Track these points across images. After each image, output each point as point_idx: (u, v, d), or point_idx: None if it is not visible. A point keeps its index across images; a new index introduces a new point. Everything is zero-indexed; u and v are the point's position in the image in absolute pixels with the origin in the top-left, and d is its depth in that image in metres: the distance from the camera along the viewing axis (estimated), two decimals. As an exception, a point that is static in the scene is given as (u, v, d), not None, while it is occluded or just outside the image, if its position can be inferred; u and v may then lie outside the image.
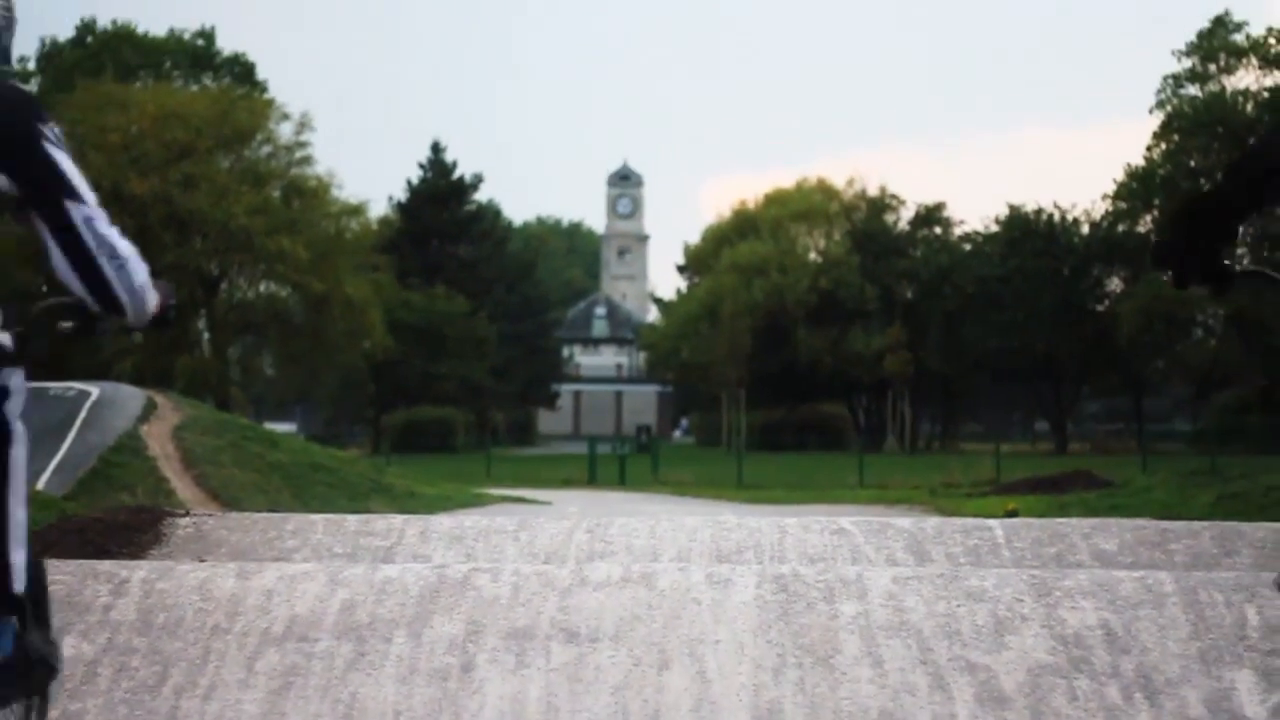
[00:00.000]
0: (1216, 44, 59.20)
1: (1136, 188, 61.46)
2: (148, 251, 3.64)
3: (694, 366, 76.81)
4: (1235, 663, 5.41)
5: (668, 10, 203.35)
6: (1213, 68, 59.15)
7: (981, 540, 7.77)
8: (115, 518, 8.41)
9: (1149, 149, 60.32)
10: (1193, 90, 59.47)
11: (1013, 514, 18.21)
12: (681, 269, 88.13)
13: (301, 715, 5.37)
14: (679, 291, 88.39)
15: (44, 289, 3.42)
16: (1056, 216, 69.52)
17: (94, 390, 23.84)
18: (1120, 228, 64.72)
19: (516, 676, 5.58)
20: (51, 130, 3.26)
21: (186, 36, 65.89)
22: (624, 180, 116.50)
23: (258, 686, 5.58)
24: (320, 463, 27.35)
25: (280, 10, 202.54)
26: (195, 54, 65.37)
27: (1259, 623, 5.52)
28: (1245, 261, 46.80)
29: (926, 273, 71.47)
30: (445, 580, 6.16)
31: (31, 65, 60.98)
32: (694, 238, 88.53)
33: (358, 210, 62.78)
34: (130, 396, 24.44)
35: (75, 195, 3.22)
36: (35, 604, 3.48)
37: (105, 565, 6.20)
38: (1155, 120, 60.03)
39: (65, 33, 64.71)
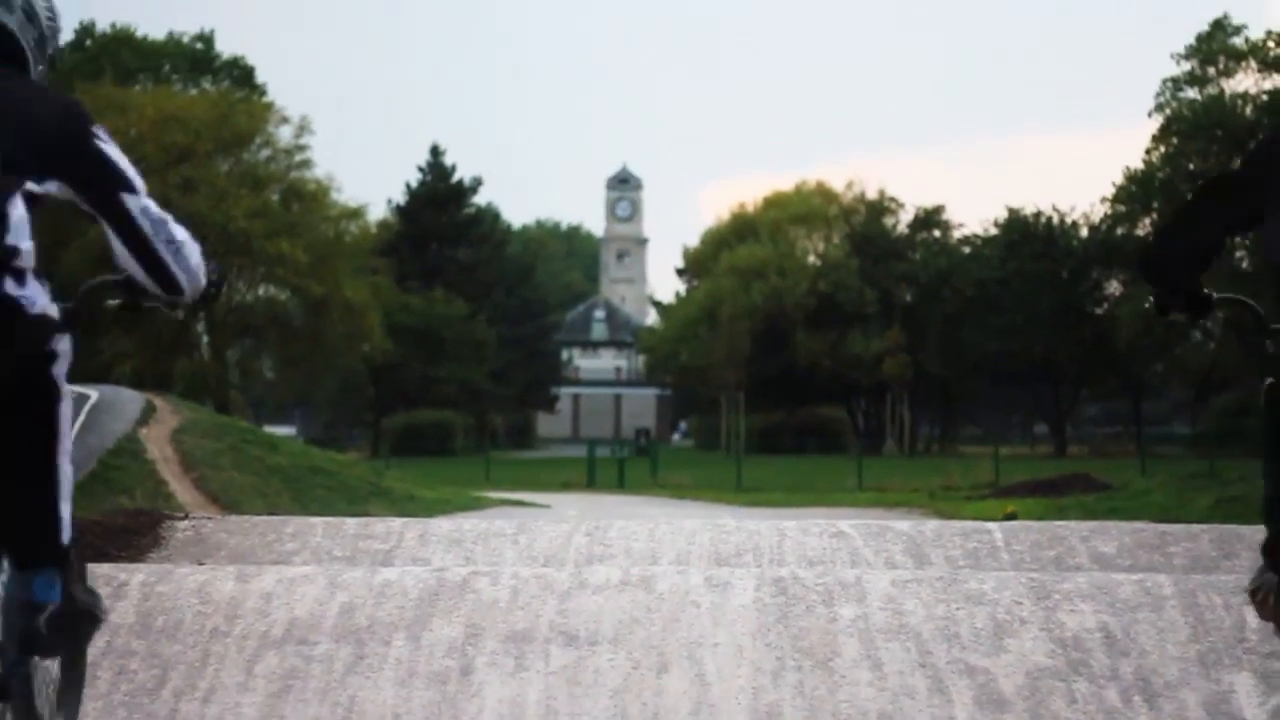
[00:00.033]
0: (1215, 47, 59.23)
1: (1135, 191, 61.49)
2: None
3: (693, 369, 76.83)
4: (1234, 665, 5.41)
5: (666, 13, 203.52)
6: (1212, 71, 59.19)
7: (980, 543, 7.77)
8: (114, 521, 8.40)
9: (1148, 152, 60.37)
10: (1192, 93, 59.51)
11: (1012, 517, 18.21)
12: (680, 272, 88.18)
13: (300, 718, 5.37)
14: (678, 295, 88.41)
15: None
16: (1055, 220, 69.56)
17: (93, 393, 23.84)
18: (1119, 231, 64.73)
19: (515, 679, 5.58)
20: (99, 129, 3.47)
21: (186, 40, 65.88)
22: (623, 183, 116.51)
23: (257, 689, 5.58)
24: (319, 466, 27.38)
25: (279, 13, 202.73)
26: (194, 57, 65.36)
27: (1258, 626, 5.52)
28: (1244, 264, 46.87)
29: (925, 276, 71.49)
30: (444, 583, 6.16)
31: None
32: (693, 241, 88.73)
33: (357, 213, 62.85)
34: (129, 400, 24.46)
35: (130, 188, 3.47)
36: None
37: (104, 568, 6.19)
38: (1154, 123, 60.10)
39: (64, 36, 64.51)
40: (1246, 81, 58.78)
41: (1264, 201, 3.71)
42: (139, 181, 3.52)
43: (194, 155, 52.10)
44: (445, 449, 65.90)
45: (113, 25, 65.59)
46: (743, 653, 5.69)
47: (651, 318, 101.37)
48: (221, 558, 7.44)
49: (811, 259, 76.06)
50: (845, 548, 7.75)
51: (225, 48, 69.52)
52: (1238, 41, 59.32)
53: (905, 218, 76.76)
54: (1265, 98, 57.27)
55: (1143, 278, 4.10)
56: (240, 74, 65.57)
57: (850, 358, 70.83)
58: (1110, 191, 64.40)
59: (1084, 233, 68.57)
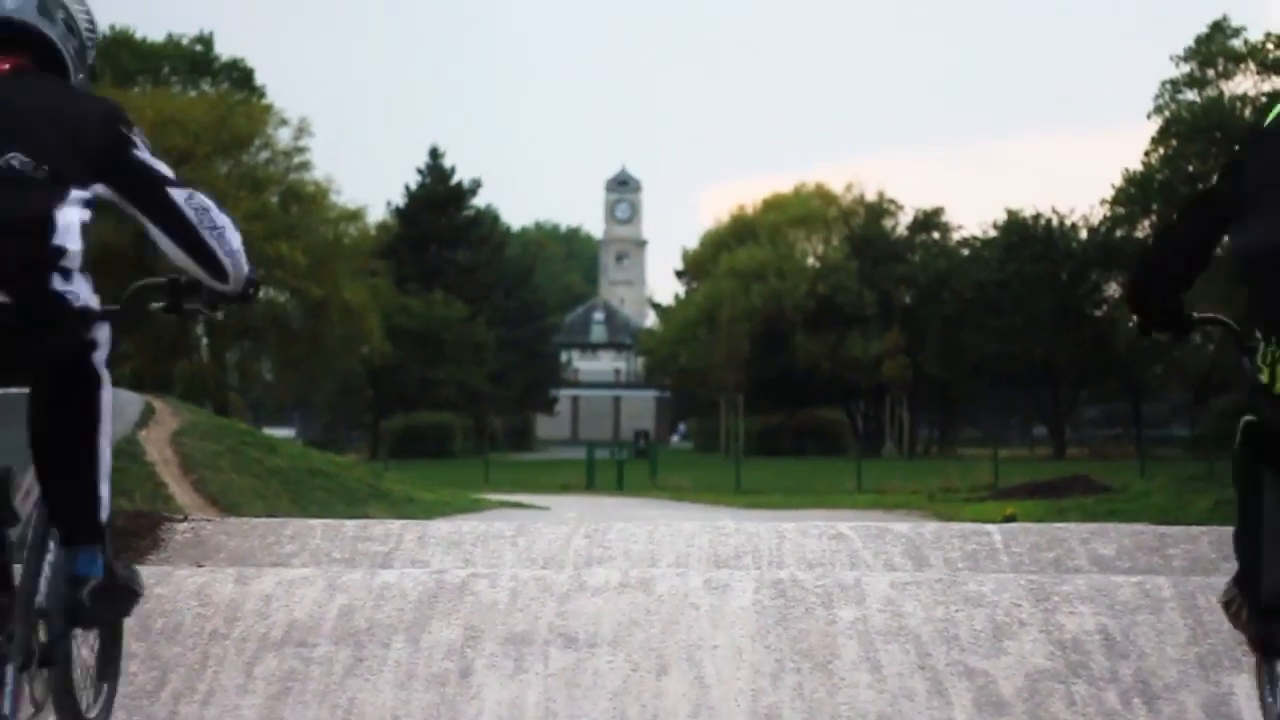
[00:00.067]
0: (1214, 49, 59.24)
1: (1134, 193, 61.49)
2: (145, 257, 3.90)
3: (692, 372, 76.85)
4: (1234, 668, 5.41)
5: (666, 15, 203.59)
6: (1211, 73, 59.19)
7: (979, 545, 7.77)
8: (113, 522, 8.41)
9: (1147, 154, 60.35)
10: (1191, 95, 59.50)
11: (1011, 519, 18.21)
12: (680, 274, 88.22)
13: (300, 720, 5.37)
14: (677, 297, 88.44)
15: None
16: (1055, 221, 69.57)
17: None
18: (1118, 233, 64.73)
19: (514, 682, 5.58)
20: (136, 133, 3.70)
21: (185, 42, 65.89)
22: (622, 185, 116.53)
23: (256, 692, 5.58)
24: (318, 468, 27.38)
25: (279, 15, 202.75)
26: (193, 59, 65.36)
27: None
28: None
29: (925, 278, 71.50)
30: (443, 585, 6.16)
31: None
32: (692, 243, 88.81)
33: (356, 215, 62.82)
34: (129, 402, 24.43)
35: (172, 183, 3.71)
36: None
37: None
38: (1153, 125, 60.08)
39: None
40: (1246, 83, 58.79)
41: (1240, 205, 3.83)
42: (174, 174, 3.74)
43: (193, 157, 52.05)
44: (444, 451, 65.90)
45: (112, 27, 65.54)
46: (742, 655, 5.70)
47: (651, 320, 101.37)
48: (221, 560, 7.44)
49: (811, 261, 76.08)
50: (844, 550, 7.75)
51: (224, 50, 69.60)
52: (1237, 43, 59.31)
53: (904, 220, 76.87)
54: (1264, 99, 57.25)
55: (1130, 302, 4.22)
56: (239, 76, 65.57)
57: (849, 360, 70.84)
58: (1109, 193, 64.42)
59: (1083, 235, 68.58)
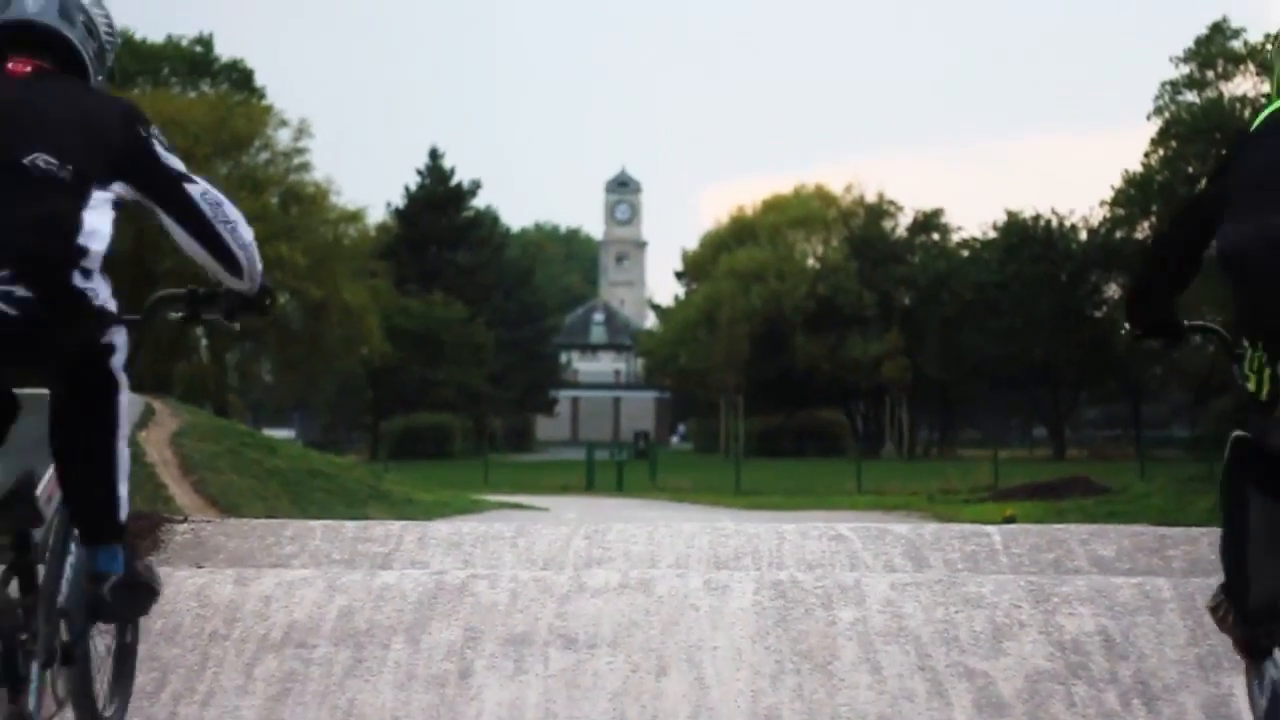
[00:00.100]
0: (1214, 50, 59.29)
1: (1134, 194, 61.53)
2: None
3: (692, 373, 76.87)
4: (1233, 669, 5.41)
5: (665, 17, 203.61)
6: (1210, 74, 59.24)
7: (979, 546, 7.77)
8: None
9: (1147, 155, 60.40)
10: (1190, 96, 59.54)
11: (1010, 520, 18.22)
12: (679, 275, 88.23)
13: (299, 721, 5.37)
14: (677, 298, 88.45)
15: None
16: (1054, 223, 69.57)
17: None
18: (1118, 234, 64.75)
19: (514, 683, 5.58)
20: (154, 131, 3.82)
21: (184, 43, 65.87)
22: (622, 186, 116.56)
23: (256, 693, 5.58)
24: (318, 469, 27.37)
25: (279, 16, 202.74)
26: (193, 60, 65.35)
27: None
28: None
29: (924, 279, 71.50)
30: (443, 586, 6.16)
31: (29, 71, 60.86)
32: (692, 244, 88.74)
33: (356, 216, 62.78)
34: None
35: (189, 178, 3.83)
36: None
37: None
38: (1153, 126, 60.13)
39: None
40: (1245, 85, 58.83)
41: (1225, 208, 3.91)
42: (188, 170, 3.87)
43: (193, 158, 51.96)
44: (444, 452, 65.91)
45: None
46: (742, 656, 5.70)
47: (650, 321, 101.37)
48: (220, 561, 7.44)
49: (810, 262, 76.10)
50: (844, 551, 7.74)
51: (224, 50, 69.60)
52: (1236, 45, 59.35)
53: (904, 221, 76.88)
54: (1264, 101, 57.23)
55: (1128, 308, 4.33)
56: (239, 77, 65.58)
57: (849, 361, 70.84)
58: (1109, 195, 64.45)
59: (1083, 236, 68.59)
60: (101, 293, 3.66)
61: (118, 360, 3.80)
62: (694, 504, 35.40)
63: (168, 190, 3.81)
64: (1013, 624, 5.85)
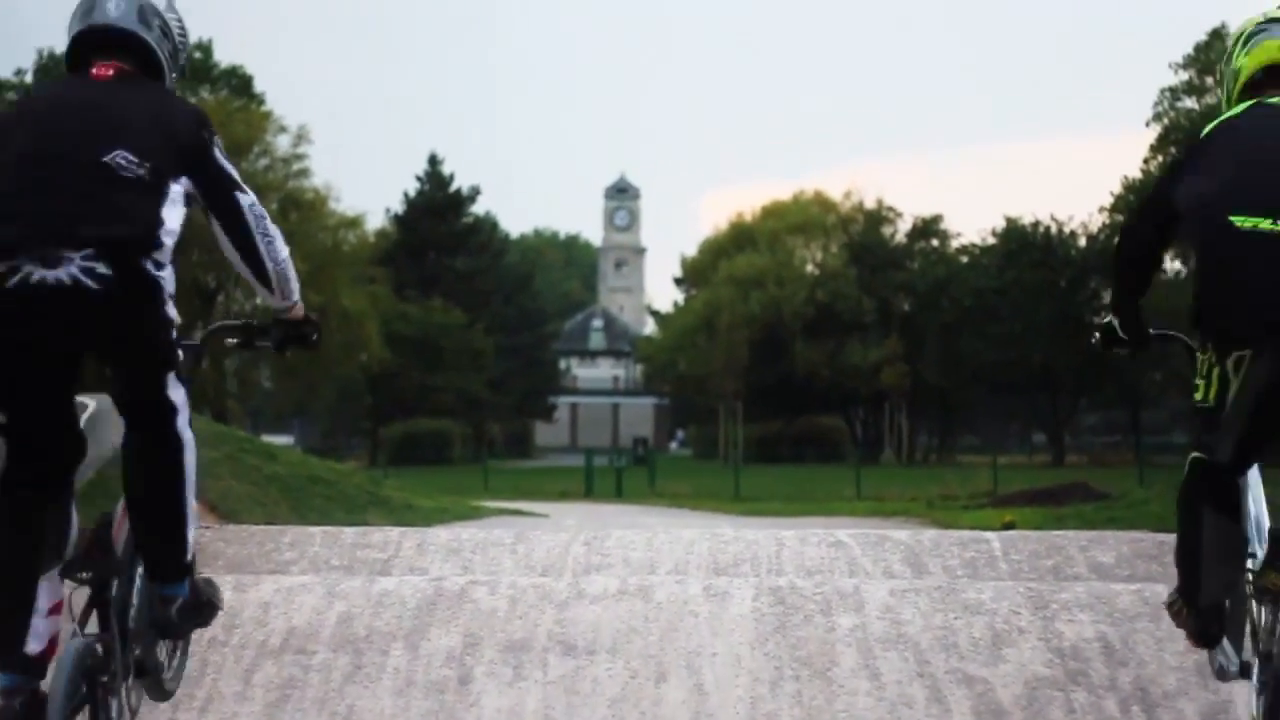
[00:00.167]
0: (1213, 57, 59.24)
1: (1133, 200, 61.50)
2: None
3: (691, 379, 76.83)
4: (1233, 675, 5.41)
5: (664, 23, 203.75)
6: (1210, 80, 59.25)
7: (979, 553, 7.77)
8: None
9: (1146, 161, 60.42)
10: (1189, 103, 59.56)
11: (1010, 526, 18.21)
12: (679, 281, 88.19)
13: (298, 728, 5.37)
14: (676, 304, 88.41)
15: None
16: (1053, 229, 69.57)
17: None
18: (1117, 240, 64.71)
19: (514, 689, 5.58)
20: (216, 138, 4.14)
21: (184, 48, 65.82)
22: (621, 193, 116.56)
23: (255, 699, 5.58)
24: (318, 475, 27.33)
25: (278, 23, 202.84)
26: (192, 66, 65.03)
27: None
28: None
29: (923, 285, 71.49)
30: (442, 593, 6.16)
31: (29, 77, 60.93)
32: (691, 250, 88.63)
33: (355, 222, 62.80)
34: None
35: (241, 188, 4.15)
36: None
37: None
38: (1152, 133, 60.14)
39: (62, 45, 64.51)
40: (1244, 91, 58.80)
41: (1177, 216, 4.29)
42: (241, 179, 4.19)
43: (192, 164, 51.99)
44: (443, 458, 65.85)
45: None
46: (741, 662, 5.69)
47: (649, 327, 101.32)
48: (219, 567, 7.44)
49: (809, 268, 76.06)
50: (843, 557, 7.74)
51: (223, 56, 69.31)
52: (1235, 51, 59.32)
53: (903, 227, 76.79)
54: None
55: (1114, 313, 4.69)
56: (238, 83, 65.58)
57: (848, 367, 70.81)
58: (1108, 200, 64.46)
59: (1082, 242, 68.59)
60: (169, 285, 3.95)
61: (182, 421, 4.08)
62: (693, 510, 35.38)
63: (221, 193, 4.10)
64: (1012, 630, 5.85)
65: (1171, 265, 50.72)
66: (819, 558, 7.75)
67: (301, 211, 57.32)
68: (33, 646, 3.89)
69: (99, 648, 3.95)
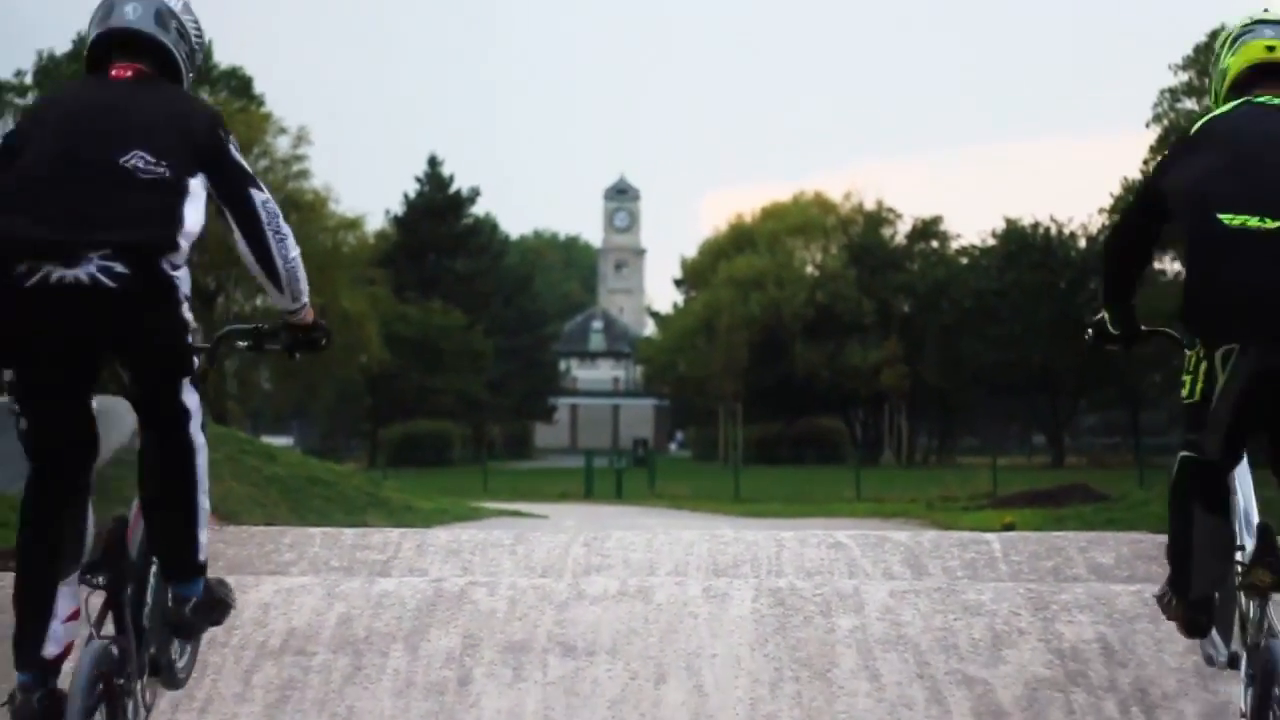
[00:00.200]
0: (1212, 58, 59.33)
1: (1133, 201, 61.50)
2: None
3: (691, 380, 76.83)
4: (1232, 677, 5.41)
5: (664, 23, 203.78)
6: (1209, 81, 59.29)
7: (978, 554, 7.78)
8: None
9: (1145, 162, 60.31)
10: (1190, 104, 59.52)
11: (1009, 527, 18.21)
12: (678, 283, 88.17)
13: (298, 729, 5.37)
14: (676, 305, 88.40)
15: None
16: (1053, 230, 69.57)
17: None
18: (1106, 237, 64.66)
19: (513, 690, 5.58)
20: (232, 137, 4.28)
21: (184, 50, 65.83)
22: (621, 194, 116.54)
23: (254, 700, 5.58)
24: (317, 476, 27.34)
25: (278, 24, 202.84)
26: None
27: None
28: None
29: (923, 286, 71.49)
30: (442, 594, 6.16)
31: (29, 79, 60.94)
32: (691, 252, 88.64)
33: (355, 224, 62.76)
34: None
35: (256, 184, 4.26)
36: None
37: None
38: (1152, 134, 60.09)
39: (62, 46, 64.45)
40: (1244, 92, 58.80)
41: (1167, 211, 4.43)
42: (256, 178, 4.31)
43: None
44: (443, 459, 65.85)
45: (111, 36, 65.50)
46: (740, 663, 5.69)
47: (649, 328, 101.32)
48: (219, 568, 7.43)
49: (809, 270, 76.05)
50: (843, 558, 7.75)
51: (223, 58, 69.26)
52: (1235, 52, 59.32)
53: (903, 228, 76.77)
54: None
55: (1106, 311, 4.80)
56: (238, 84, 65.59)
57: (848, 368, 70.80)
58: (1108, 202, 64.41)
59: (1082, 243, 68.57)
60: (184, 286, 4.07)
61: (195, 426, 4.27)
62: (693, 511, 35.38)
63: (236, 189, 4.21)
64: (1012, 631, 5.85)
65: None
66: (819, 559, 7.75)
67: (301, 213, 57.26)
68: (50, 650, 4.02)
69: (115, 650, 4.07)
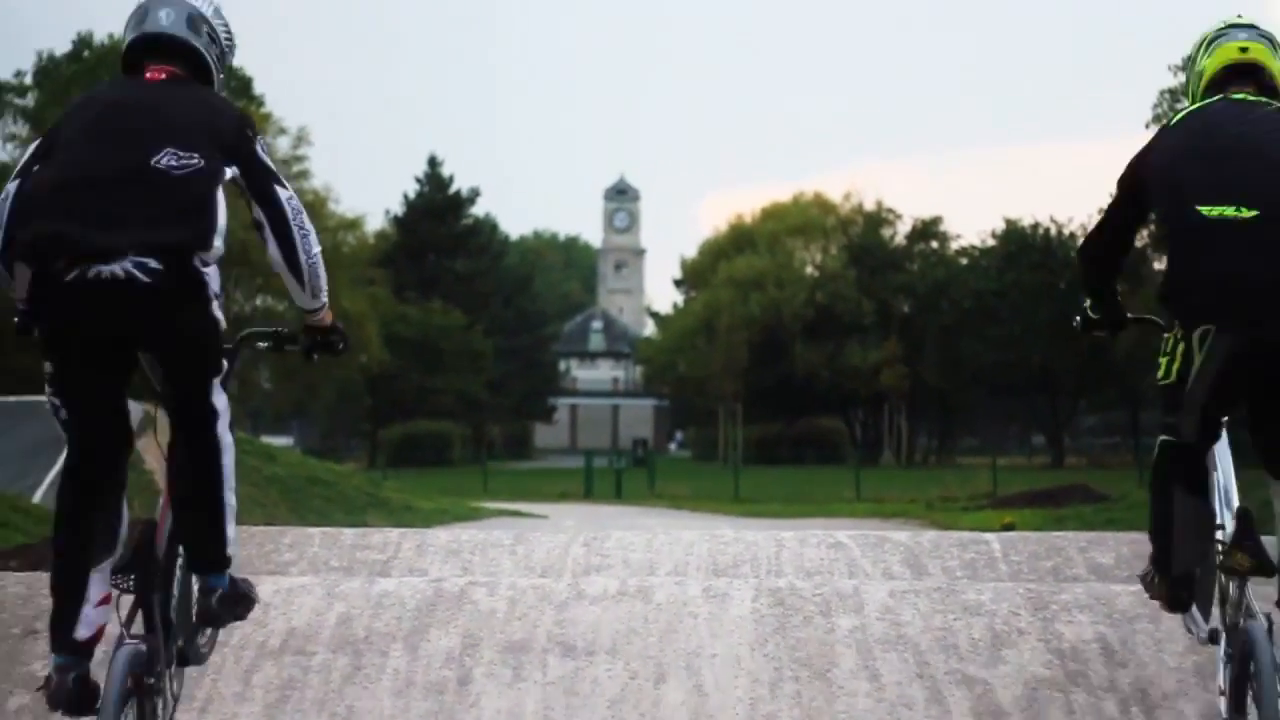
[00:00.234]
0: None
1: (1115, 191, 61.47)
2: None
3: (690, 380, 76.84)
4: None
5: (664, 25, 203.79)
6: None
7: (978, 554, 7.78)
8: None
9: (1145, 163, 60.40)
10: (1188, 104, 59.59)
11: (1009, 528, 18.20)
12: (678, 283, 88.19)
13: (298, 729, 5.37)
14: (675, 305, 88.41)
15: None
16: (1053, 231, 69.56)
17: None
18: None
19: (513, 690, 5.58)
20: (260, 138, 4.50)
21: (184, 50, 65.81)
22: (621, 194, 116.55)
23: (254, 700, 5.58)
24: (317, 476, 27.38)
25: (277, 25, 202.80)
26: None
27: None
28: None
29: (923, 287, 71.49)
30: (442, 594, 6.16)
31: (29, 79, 60.92)
32: (691, 252, 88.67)
33: (355, 224, 62.80)
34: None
35: (281, 182, 4.49)
36: None
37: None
38: (1151, 134, 60.10)
39: (62, 47, 64.42)
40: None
41: (1148, 196, 4.71)
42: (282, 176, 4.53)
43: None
44: (443, 459, 65.86)
45: (110, 36, 65.40)
46: (740, 663, 5.69)
47: (649, 328, 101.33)
48: (219, 568, 7.44)
49: (809, 270, 76.05)
50: (843, 558, 7.75)
51: (223, 58, 69.34)
52: (1235, 53, 59.37)
53: (903, 229, 76.77)
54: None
55: (1088, 296, 5.05)
56: (238, 84, 65.51)
57: (848, 369, 70.80)
58: (1107, 202, 64.36)
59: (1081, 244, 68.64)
60: (214, 284, 4.26)
61: (223, 425, 4.40)
62: (692, 511, 35.38)
63: (262, 185, 4.43)
64: (1011, 631, 5.85)
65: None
66: (818, 559, 7.75)
67: (301, 213, 57.36)
68: (82, 633, 4.23)
69: (145, 649, 4.25)
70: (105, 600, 4.28)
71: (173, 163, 4.21)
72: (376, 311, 61.47)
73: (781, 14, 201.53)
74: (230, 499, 4.44)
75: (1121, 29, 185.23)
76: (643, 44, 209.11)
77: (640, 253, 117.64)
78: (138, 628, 4.30)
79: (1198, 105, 4.84)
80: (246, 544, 7.94)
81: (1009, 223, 70.71)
